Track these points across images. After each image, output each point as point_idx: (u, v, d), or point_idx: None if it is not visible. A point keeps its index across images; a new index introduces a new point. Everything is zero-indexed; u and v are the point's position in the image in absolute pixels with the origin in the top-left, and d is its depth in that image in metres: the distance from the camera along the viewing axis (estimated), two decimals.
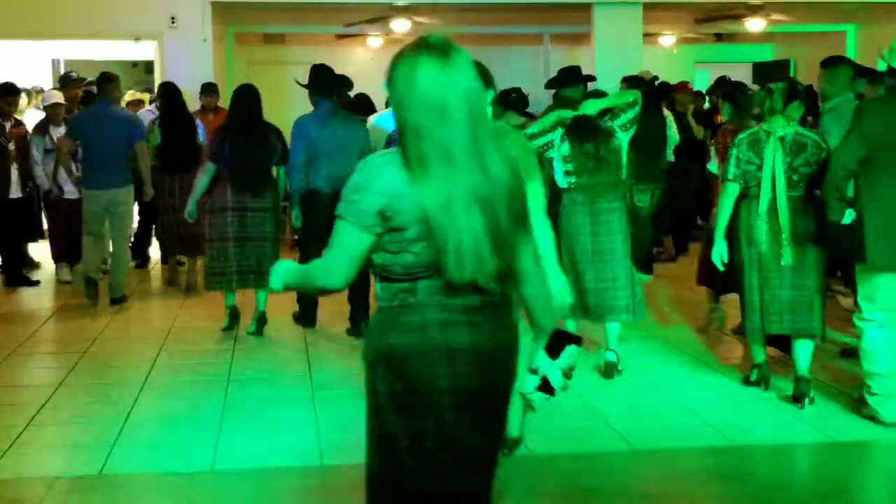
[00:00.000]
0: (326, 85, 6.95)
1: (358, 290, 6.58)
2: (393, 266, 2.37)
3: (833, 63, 6.26)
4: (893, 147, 4.63)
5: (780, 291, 5.23)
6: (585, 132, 5.70)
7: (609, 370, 5.75)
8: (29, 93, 10.76)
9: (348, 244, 2.36)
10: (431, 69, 2.35)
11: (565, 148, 5.70)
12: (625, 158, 5.80)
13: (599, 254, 5.72)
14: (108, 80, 8.24)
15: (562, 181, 5.75)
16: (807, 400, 5.16)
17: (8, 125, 8.80)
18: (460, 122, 2.35)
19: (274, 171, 6.95)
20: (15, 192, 8.74)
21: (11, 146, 8.69)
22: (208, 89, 10.28)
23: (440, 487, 2.41)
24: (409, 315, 2.38)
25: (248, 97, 6.80)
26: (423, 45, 2.40)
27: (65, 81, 9.91)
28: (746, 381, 5.57)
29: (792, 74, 14.69)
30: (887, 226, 4.64)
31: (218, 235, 6.74)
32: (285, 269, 2.58)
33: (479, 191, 2.35)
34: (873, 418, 4.88)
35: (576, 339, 2.64)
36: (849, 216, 4.87)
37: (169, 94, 8.69)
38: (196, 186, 7.03)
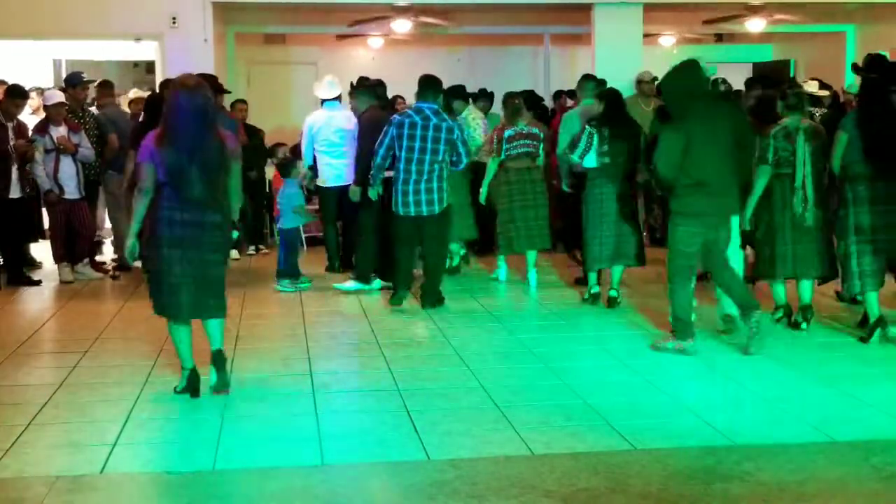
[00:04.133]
0: None
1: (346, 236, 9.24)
2: (159, 182, 5.18)
3: (582, 79, 9.00)
4: (705, 143, 6.11)
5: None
6: (614, 127, 7.69)
7: (612, 302, 7.71)
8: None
9: (148, 172, 5.17)
10: (185, 94, 5.18)
11: (596, 139, 7.66)
12: (643, 147, 7.81)
13: (622, 216, 7.72)
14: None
15: (594, 161, 7.69)
16: (808, 322, 6.86)
17: (10, 125, 8.81)
18: (196, 120, 5.16)
19: None
20: (15, 192, 8.76)
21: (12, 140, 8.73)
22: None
23: (169, 285, 5.26)
24: (159, 202, 5.19)
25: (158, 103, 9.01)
26: (180, 83, 5.28)
27: (72, 81, 9.88)
28: (778, 321, 7.01)
29: (792, 75, 14.70)
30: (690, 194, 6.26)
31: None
32: (131, 238, 5.34)
33: (200, 153, 5.13)
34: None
35: (237, 229, 5.79)
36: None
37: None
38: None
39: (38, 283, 8.95)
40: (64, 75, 12.06)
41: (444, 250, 8.11)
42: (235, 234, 5.90)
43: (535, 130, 8.73)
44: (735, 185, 6.28)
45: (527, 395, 5.43)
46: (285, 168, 9.24)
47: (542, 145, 8.75)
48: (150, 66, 13.15)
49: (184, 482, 4.21)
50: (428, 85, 7.82)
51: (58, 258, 9.12)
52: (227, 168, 5.29)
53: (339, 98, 9.39)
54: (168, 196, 5.16)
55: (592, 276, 7.91)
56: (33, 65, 13.39)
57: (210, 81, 7.63)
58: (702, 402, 5.28)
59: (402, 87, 10.89)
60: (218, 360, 5.46)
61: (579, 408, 5.15)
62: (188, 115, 5.14)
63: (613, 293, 7.74)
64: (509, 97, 9.17)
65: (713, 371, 5.97)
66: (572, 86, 11.76)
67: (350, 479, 4.26)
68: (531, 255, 8.73)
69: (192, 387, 5.42)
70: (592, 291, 7.87)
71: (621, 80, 10.85)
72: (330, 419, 5.00)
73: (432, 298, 7.83)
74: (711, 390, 5.59)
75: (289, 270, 8.73)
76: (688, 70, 6.27)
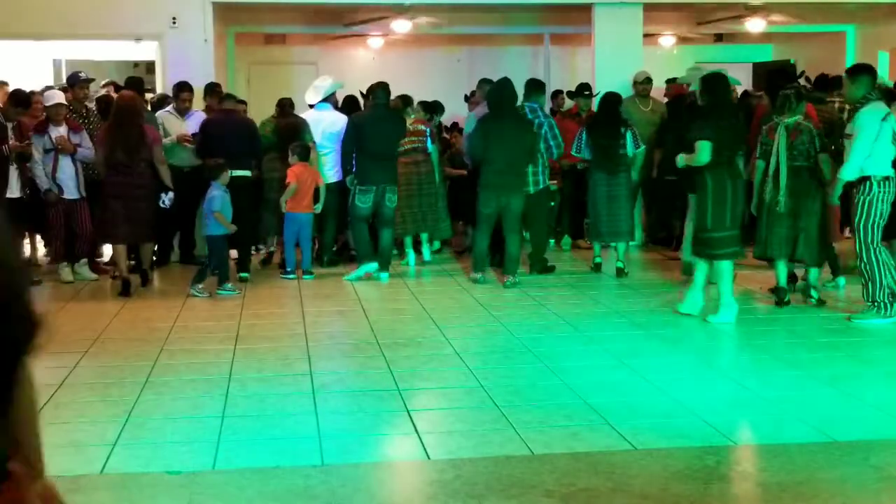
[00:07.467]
0: None
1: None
2: (105, 157, 8.42)
3: (480, 82, 10.19)
4: (496, 137, 8.47)
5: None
6: (604, 127, 9.18)
7: (619, 273, 9.03)
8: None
9: (99, 152, 8.64)
10: (122, 103, 8.51)
11: (584, 136, 9.24)
12: (629, 143, 9.12)
13: (612, 199, 9.05)
14: (219, 92, 10.23)
15: (588, 154, 9.22)
16: (788, 299, 7.56)
17: (10, 125, 8.81)
18: (126, 119, 8.39)
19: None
20: (14, 192, 8.76)
21: (12, 141, 8.73)
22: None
23: (112, 220, 8.39)
24: (107, 170, 8.45)
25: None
26: (118, 98, 8.65)
27: (73, 81, 9.87)
28: (779, 303, 7.54)
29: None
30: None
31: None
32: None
33: (127, 138, 8.32)
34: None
35: (172, 190, 8.57)
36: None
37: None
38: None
39: (37, 282, 8.94)
40: (64, 75, 12.06)
41: (542, 224, 9.45)
42: (171, 194, 8.38)
43: (422, 127, 9.92)
44: (522, 169, 8.63)
45: (527, 395, 5.43)
46: (214, 171, 8.51)
47: (428, 140, 9.87)
48: (150, 66, 13.13)
49: (184, 482, 4.21)
50: (532, 87, 9.40)
51: (57, 258, 9.13)
52: (147, 149, 8.34)
53: (327, 100, 9.91)
54: (111, 166, 8.29)
55: (597, 247, 9.44)
56: (33, 65, 13.38)
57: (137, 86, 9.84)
58: (702, 402, 5.28)
59: (402, 87, 10.90)
60: (143, 275, 8.64)
61: (579, 408, 5.15)
62: (122, 116, 8.23)
63: (619, 264, 9.06)
64: (400, 98, 10.18)
65: (713, 371, 5.97)
66: (572, 86, 11.79)
67: (350, 479, 4.26)
68: (409, 240, 9.90)
69: (125, 289, 8.25)
70: (596, 261, 9.43)
71: (621, 81, 10.86)
72: (330, 419, 4.99)
73: (539, 266, 9.23)
74: (711, 390, 5.59)
75: (208, 275, 8.39)
76: (505, 86, 8.66)
